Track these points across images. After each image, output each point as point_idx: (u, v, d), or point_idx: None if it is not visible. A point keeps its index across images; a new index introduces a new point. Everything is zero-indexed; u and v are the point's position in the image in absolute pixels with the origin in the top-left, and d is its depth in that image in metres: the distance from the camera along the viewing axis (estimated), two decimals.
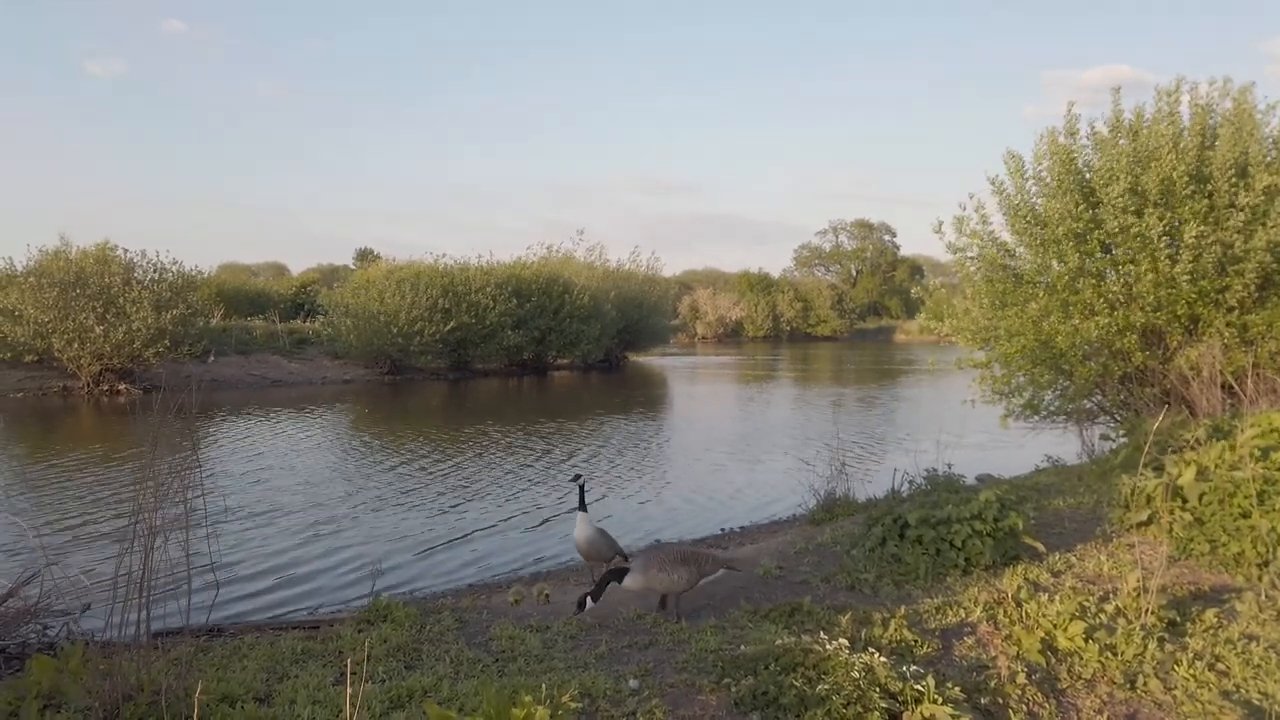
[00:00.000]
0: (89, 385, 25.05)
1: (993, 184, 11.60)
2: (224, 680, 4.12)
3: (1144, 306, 10.26)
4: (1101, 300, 10.45)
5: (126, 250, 26.61)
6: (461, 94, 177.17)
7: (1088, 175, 11.01)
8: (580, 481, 6.82)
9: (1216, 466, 6.46)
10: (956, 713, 3.54)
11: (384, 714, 3.73)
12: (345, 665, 4.50)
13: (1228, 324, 10.14)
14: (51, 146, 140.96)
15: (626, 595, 5.63)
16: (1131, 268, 10.22)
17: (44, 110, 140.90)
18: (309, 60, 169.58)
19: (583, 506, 6.48)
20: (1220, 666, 4.25)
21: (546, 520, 10.72)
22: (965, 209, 11.67)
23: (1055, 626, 4.57)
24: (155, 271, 27.04)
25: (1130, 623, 4.65)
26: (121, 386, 25.43)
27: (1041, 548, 6.32)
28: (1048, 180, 11.23)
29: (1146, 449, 6.47)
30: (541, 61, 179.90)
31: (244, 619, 6.57)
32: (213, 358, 28.90)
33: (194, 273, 28.73)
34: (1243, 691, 4.02)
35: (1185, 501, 6.38)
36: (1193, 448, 7.12)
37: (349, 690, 2.71)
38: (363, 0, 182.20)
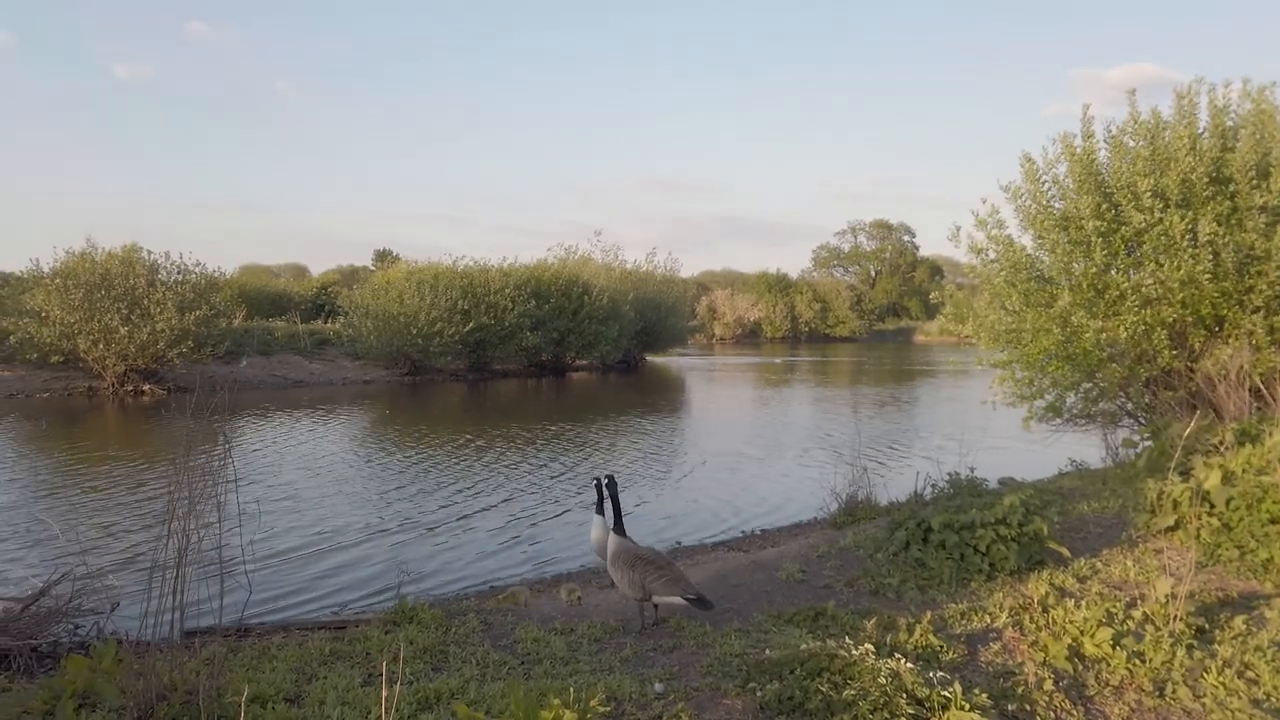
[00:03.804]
0: (114, 386, 25.37)
1: (1007, 190, 11.50)
2: (254, 681, 4.18)
3: (1173, 303, 10.15)
4: (1134, 296, 10.28)
5: (151, 252, 27.05)
6: (478, 95, 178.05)
7: (1106, 177, 10.91)
8: (599, 482, 6.31)
9: (1244, 471, 6.40)
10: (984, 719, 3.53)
11: (412, 715, 3.77)
12: (373, 666, 4.55)
13: (1256, 326, 10.01)
14: (77, 148, 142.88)
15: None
16: (1156, 265, 10.11)
17: (72, 112, 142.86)
18: (326, 61, 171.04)
19: (600, 510, 6.26)
20: (1250, 674, 4.21)
21: (566, 520, 10.75)
22: (979, 213, 11.58)
23: (1082, 633, 4.55)
24: (179, 273, 27.39)
25: (1158, 629, 4.62)
26: (146, 387, 25.74)
27: (1066, 553, 6.28)
28: (1067, 183, 11.14)
29: (1175, 453, 6.42)
30: (559, 62, 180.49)
31: (270, 619, 6.64)
32: (245, 362, 29.17)
33: (216, 274, 29.10)
34: (1273, 700, 3.99)
35: (1213, 507, 6.33)
36: (1220, 452, 7.05)
37: (384, 692, 2.75)
38: (382, 1, 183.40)
